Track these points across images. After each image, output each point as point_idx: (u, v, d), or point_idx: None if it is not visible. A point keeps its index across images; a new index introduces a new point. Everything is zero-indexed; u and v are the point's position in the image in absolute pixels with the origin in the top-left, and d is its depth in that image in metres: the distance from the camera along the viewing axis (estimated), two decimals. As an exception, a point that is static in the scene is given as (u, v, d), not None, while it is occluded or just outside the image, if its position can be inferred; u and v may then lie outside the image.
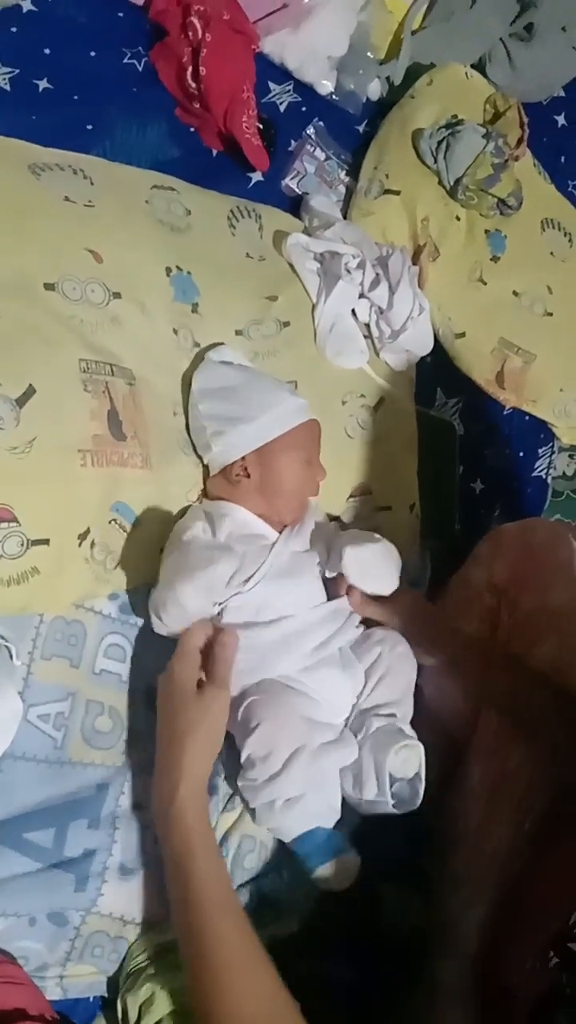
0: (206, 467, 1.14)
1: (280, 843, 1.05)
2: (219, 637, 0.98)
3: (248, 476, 1.09)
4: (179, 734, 0.92)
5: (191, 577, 0.96)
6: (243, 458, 1.09)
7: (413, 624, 1.15)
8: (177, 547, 1.02)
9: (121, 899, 0.96)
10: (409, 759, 1.04)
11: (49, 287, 1.01)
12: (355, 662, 1.09)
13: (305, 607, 1.08)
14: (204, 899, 0.85)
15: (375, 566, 1.10)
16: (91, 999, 0.97)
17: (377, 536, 1.13)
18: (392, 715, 1.08)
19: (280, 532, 1.10)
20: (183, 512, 1.10)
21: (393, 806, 1.02)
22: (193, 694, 0.94)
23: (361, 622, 1.14)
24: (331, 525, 1.21)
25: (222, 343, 1.17)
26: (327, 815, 1.01)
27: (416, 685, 1.24)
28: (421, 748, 1.05)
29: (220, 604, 1.02)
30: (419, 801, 1.04)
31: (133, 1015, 0.90)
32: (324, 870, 0.99)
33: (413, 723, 1.19)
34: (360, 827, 1.11)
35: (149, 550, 1.06)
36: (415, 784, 1.04)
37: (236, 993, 0.82)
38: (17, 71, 1.21)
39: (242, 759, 0.97)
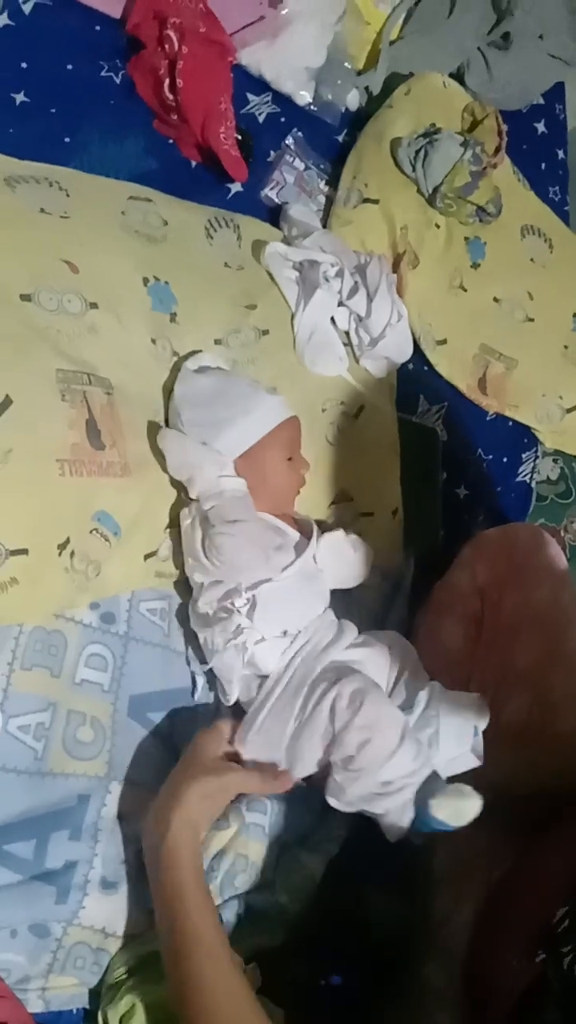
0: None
1: (274, 862, 1.05)
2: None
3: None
4: (185, 778, 0.94)
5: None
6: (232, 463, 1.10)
7: None
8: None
9: (103, 911, 0.95)
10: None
11: (25, 298, 1.01)
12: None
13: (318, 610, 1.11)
14: (194, 946, 0.85)
15: (347, 552, 1.15)
16: (73, 1011, 0.96)
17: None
18: None
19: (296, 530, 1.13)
20: (166, 519, 1.10)
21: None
22: (214, 762, 0.97)
23: None
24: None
25: (200, 351, 1.17)
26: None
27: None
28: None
29: (250, 592, 1.04)
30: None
31: (114, 1027, 0.89)
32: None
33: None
34: (345, 830, 1.11)
35: (131, 559, 1.07)
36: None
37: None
38: (-6, 85, 1.21)
39: (351, 745, 0.97)
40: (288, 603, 1.07)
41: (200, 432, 1.09)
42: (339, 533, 1.15)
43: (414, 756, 0.97)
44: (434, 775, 0.99)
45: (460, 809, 0.95)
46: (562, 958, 0.80)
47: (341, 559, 1.15)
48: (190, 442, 1.07)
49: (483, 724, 1.04)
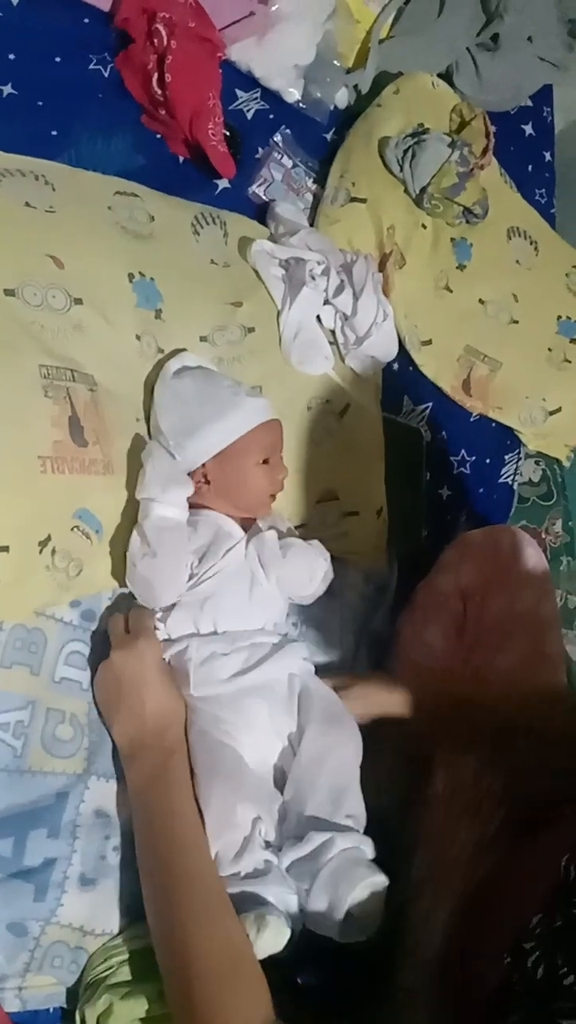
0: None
1: None
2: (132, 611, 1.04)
3: (208, 483, 1.10)
4: (170, 703, 0.99)
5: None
6: (203, 465, 1.10)
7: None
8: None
9: (81, 909, 0.95)
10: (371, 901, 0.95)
11: (9, 293, 1.00)
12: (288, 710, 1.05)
13: (251, 621, 1.09)
14: (195, 841, 0.90)
15: (299, 562, 1.11)
16: (50, 1010, 0.95)
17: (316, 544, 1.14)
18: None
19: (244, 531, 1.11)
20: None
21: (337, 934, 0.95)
22: (129, 653, 0.99)
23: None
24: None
25: (184, 349, 1.17)
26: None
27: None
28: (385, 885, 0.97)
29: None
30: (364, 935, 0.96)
31: (91, 1026, 0.89)
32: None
33: (378, 729, 1.20)
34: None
35: (113, 557, 1.06)
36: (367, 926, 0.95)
37: (204, 939, 0.84)
38: (-19, 77, 1.20)
39: None
40: (218, 601, 1.06)
41: (174, 436, 1.09)
42: (271, 534, 1.10)
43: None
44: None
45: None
46: (526, 958, 0.80)
47: (283, 564, 1.09)
48: (154, 458, 1.05)
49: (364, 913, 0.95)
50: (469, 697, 1.13)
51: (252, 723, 1.02)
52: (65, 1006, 0.96)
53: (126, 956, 0.94)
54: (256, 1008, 0.81)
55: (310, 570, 1.11)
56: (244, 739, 1.01)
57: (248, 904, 0.89)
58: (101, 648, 1.02)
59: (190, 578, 1.05)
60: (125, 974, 0.92)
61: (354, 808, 1.01)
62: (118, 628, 1.02)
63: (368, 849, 0.98)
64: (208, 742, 0.99)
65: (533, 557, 1.23)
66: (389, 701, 1.13)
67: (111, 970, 0.93)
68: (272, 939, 0.87)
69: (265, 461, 1.12)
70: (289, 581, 1.10)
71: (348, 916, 0.93)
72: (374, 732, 1.17)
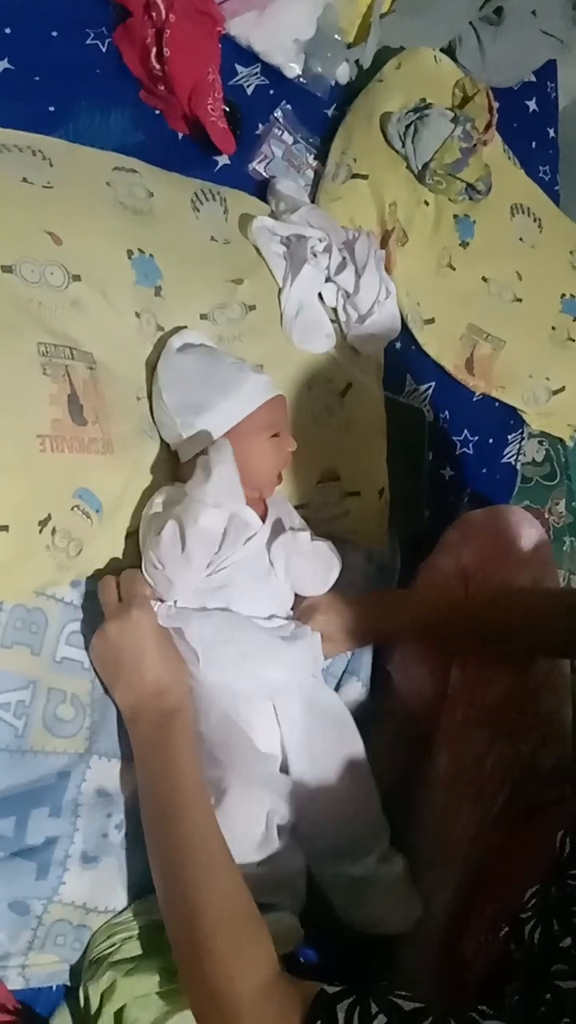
0: (174, 453, 1.13)
1: None
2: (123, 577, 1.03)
3: None
4: (168, 666, 0.97)
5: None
6: (213, 443, 1.09)
7: (365, 639, 1.19)
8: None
9: (83, 887, 0.95)
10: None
11: (6, 269, 0.99)
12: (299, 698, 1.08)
13: (267, 609, 1.09)
14: (197, 801, 0.90)
15: (319, 564, 1.14)
16: (54, 988, 0.96)
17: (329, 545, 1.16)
18: None
19: (263, 519, 1.11)
20: (147, 498, 1.09)
21: None
22: (162, 629, 1.00)
23: None
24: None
25: (185, 327, 1.16)
26: None
27: (384, 672, 1.25)
28: None
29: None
30: None
31: (95, 1003, 0.89)
32: None
33: (382, 709, 1.20)
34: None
35: (113, 536, 1.06)
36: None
37: (210, 892, 0.84)
38: (-23, 52, 1.19)
39: None
40: (231, 587, 1.06)
41: (181, 414, 1.08)
42: (287, 536, 1.10)
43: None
44: None
45: None
46: (523, 927, 0.80)
47: (296, 565, 1.12)
48: (225, 464, 1.01)
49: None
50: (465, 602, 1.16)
51: (262, 711, 1.04)
52: (68, 984, 0.96)
53: (129, 933, 0.94)
54: (263, 958, 0.82)
55: (326, 574, 1.15)
56: (256, 723, 1.03)
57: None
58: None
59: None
60: (128, 951, 0.92)
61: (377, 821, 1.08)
62: (111, 596, 1.01)
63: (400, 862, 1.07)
64: (219, 726, 1.00)
65: (534, 537, 1.22)
66: (358, 610, 1.18)
67: (114, 947, 0.93)
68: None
69: (274, 436, 1.12)
70: (303, 580, 1.14)
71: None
72: (377, 716, 1.18)
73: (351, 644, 1.19)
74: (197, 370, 1.10)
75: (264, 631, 1.07)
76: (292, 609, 1.15)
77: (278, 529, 1.11)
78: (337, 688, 1.21)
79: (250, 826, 0.97)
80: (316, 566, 1.14)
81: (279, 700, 1.05)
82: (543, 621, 1.11)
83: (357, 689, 1.22)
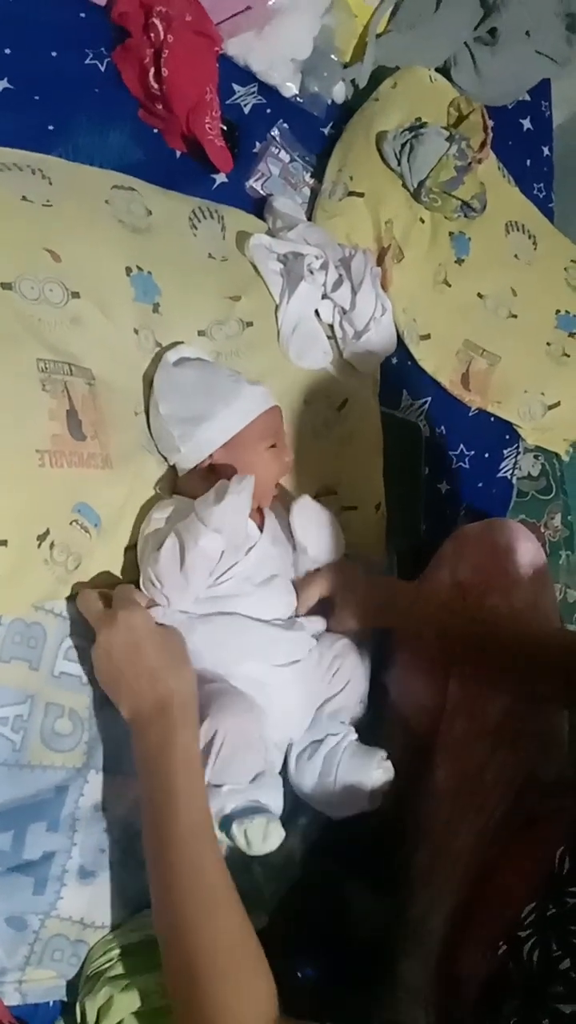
0: (172, 467, 1.13)
1: None
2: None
3: (219, 472, 1.09)
4: (162, 665, 0.93)
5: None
6: (211, 455, 1.10)
7: (363, 619, 1.17)
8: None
9: (81, 902, 0.95)
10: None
11: (6, 286, 1.00)
12: (313, 681, 1.12)
13: (271, 613, 1.09)
14: (199, 829, 0.87)
15: (321, 522, 1.17)
16: (51, 1004, 0.96)
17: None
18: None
19: (260, 529, 1.11)
20: (145, 512, 1.09)
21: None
22: (154, 624, 0.96)
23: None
24: None
25: (182, 342, 1.17)
26: None
27: (381, 685, 1.25)
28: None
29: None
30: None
31: (91, 1019, 0.89)
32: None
33: (379, 723, 1.20)
34: (327, 826, 1.12)
35: (111, 551, 1.06)
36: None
37: (208, 935, 0.82)
38: (-23, 71, 1.20)
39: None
40: (236, 596, 1.07)
41: (179, 426, 1.09)
42: (304, 498, 1.16)
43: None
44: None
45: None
46: (522, 946, 0.80)
47: (319, 523, 1.16)
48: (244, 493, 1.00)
49: (379, 782, 1.08)
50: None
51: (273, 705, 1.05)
52: (65, 999, 0.96)
53: (126, 949, 0.94)
54: (260, 1004, 0.80)
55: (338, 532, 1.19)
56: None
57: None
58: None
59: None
60: (125, 966, 0.92)
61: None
62: (94, 606, 0.97)
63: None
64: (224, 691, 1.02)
65: (531, 551, 1.22)
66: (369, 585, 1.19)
67: (111, 962, 0.93)
68: (266, 840, 0.97)
69: (272, 446, 1.13)
70: (322, 545, 1.17)
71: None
72: (374, 729, 1.18)
73: (355, 616, 1.18)
74: (194, 382, 1.11)
75: (262, 629, 1.07)
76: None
77: (276, 537, 1.12)
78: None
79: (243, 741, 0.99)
80: (329, 519, 1.18)
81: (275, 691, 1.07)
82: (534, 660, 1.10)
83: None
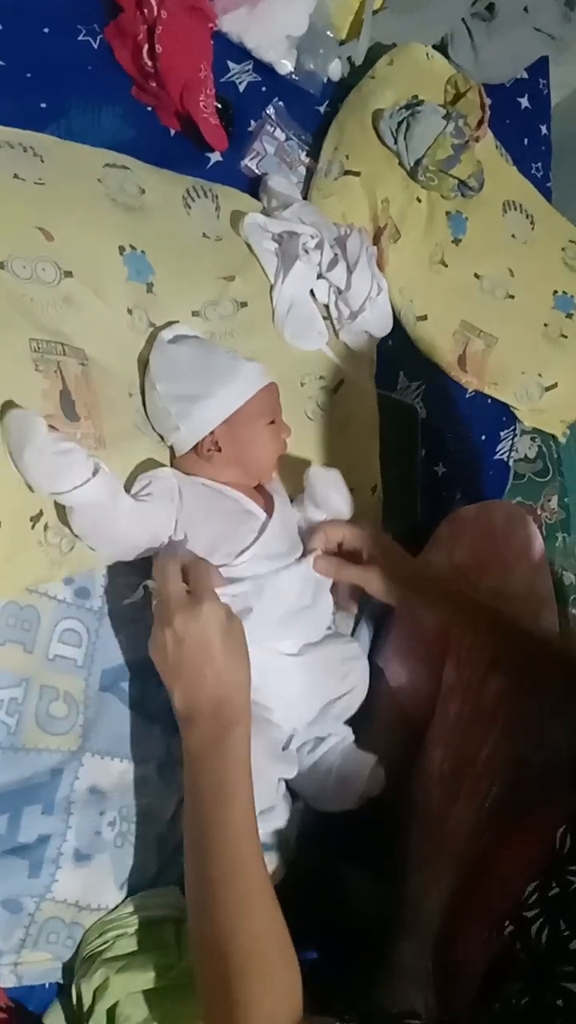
0: (169, 448, 1.13)
1: None
2: (193, 565, 0.96)
3: (220, 450, 1.09)
4: (231, 670, 0.90)
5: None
6: (212, 433, 1.09)
7: (390, 585, 1.13)
8: None
9: (76, 885, 0.95)
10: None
11: (-2, 265, 0.99)
12: (323, 675, 1.12)
13: (289, 593, 1.09)
14: (246, 826, 0.86)
15: (338, 484, 1.17)
16: (46, 986, 0.96)
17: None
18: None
19: (266, 510, 1.11)
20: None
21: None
22: (193, 619, 0.90)
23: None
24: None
25: (176, 322, 1.16)
26: None
27: (377, 668, 1.25)
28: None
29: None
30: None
31: (87, 1001, 0.89)
32: None
33: (374, 707, 1.20)
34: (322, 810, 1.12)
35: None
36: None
37: (243, 933, 0.82)
38: (-32, 48, 1.19)
39: None
40: (255, 578, 1.06)
41: (177, 404, 1.08)
42: (316, 468, 1.17)
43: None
44: None
45: None
46: (529, 926, 0.80)
47: (338, 489, 1.17)
48: None
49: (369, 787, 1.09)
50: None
51: (279, 693, 1.06)
52: (61, 981, 0.96)
53: (122, 930, 0.94)
54: (291, 1001, 0.81)
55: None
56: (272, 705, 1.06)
57: None
58: (97, 627, 1.03)
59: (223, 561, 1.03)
60: (121, 948, 0.93)
61: None
62: (176, 587, 0.93)
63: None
64: None
65: (526, 533, 1.22)
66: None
67: (107, 944, 0.93)
68: None
69: (272, 422, 1.13)
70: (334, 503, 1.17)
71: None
72: (369, 713, 1.17)
73: (384, 578, 1.14)
74: (191, 360, 1.10)
75: (275, 613, 1.07)
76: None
77: (286, 518, 1.13)
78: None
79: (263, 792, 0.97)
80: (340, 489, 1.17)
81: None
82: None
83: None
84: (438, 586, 1.16)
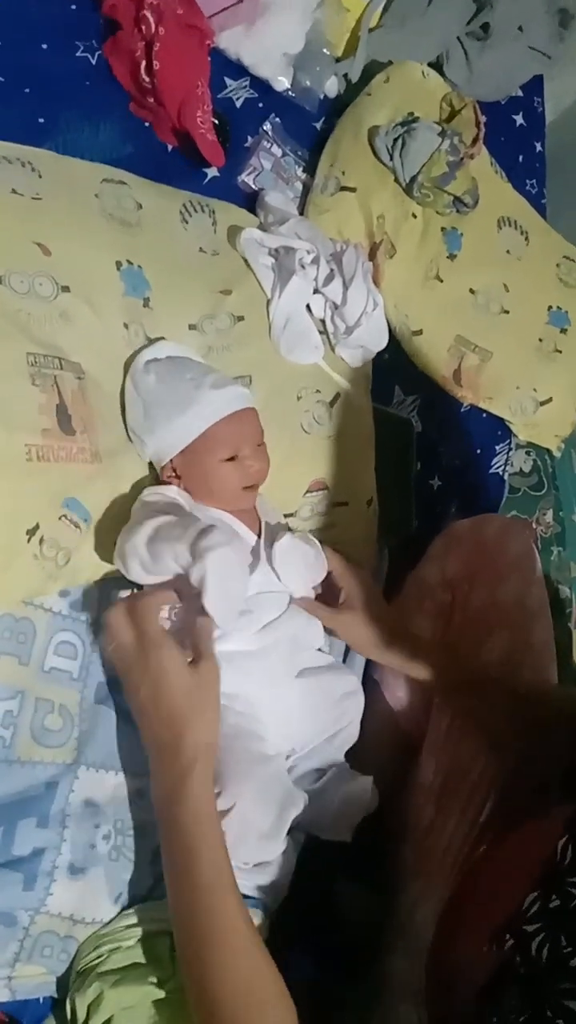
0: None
1: None
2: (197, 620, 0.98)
3: (179, 478, 1.09)
4: (181, 712, 0.92)
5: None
6: (171, 461, 1.09)
7: (367, 637, 1.15)
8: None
9: (71, 898, 0.95)
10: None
11: (-4, 280, 1.00)
12: (321, 708, 1.12)
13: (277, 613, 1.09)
14: (215, 882, 0.86)
15: (298, 558, 1.12)
16: (40, 1000, 0.95)
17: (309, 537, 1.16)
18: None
19: (256, 533, 1.11)
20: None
21: None
22: (186, 670, 0.93)
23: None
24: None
25: (162, 338, 1.16)
26: None
27: (373, 681, 1.25)
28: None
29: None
30: None
31: (82, 1015, 0.89)
32: None
33: (369, 720, 1.20)
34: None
35: (101, 546, 1.05)
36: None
37: (229, 983, 0.82)
38: (-33, 64, 1.19)
39: None
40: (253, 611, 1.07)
41: (139, 431, 1.09)
42: (287, 537, 1.10)
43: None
44: None
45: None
46: (530, 941, 0.80)
47: (302, 559, 1.13)
48: None
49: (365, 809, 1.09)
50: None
51: (274, 712, 1.06)
52: (55, 995, 0.95)
53: (116, 944, 0.94)
54: None
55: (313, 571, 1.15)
56: (267, 727, 1.05)
57: None
58: (92, 640, 1.03)
59: None
60: (116, 962, 0.92)
61: None
62: (125, 638, 0.95)
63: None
64: (232, 734, 1.01)
65: (519, 546, 1.22)
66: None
67: (101, 958, 0.93)
68: None
69: (232, 458, 1.08)
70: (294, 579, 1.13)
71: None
72: (363, 725, 1.17)
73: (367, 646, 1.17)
74: (153, 388, 1.09)
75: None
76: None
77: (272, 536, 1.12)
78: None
79: (257, 827, 0.98)
80: (315, 553, 1.14)
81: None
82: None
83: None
84: (416, 647, 1.16)
